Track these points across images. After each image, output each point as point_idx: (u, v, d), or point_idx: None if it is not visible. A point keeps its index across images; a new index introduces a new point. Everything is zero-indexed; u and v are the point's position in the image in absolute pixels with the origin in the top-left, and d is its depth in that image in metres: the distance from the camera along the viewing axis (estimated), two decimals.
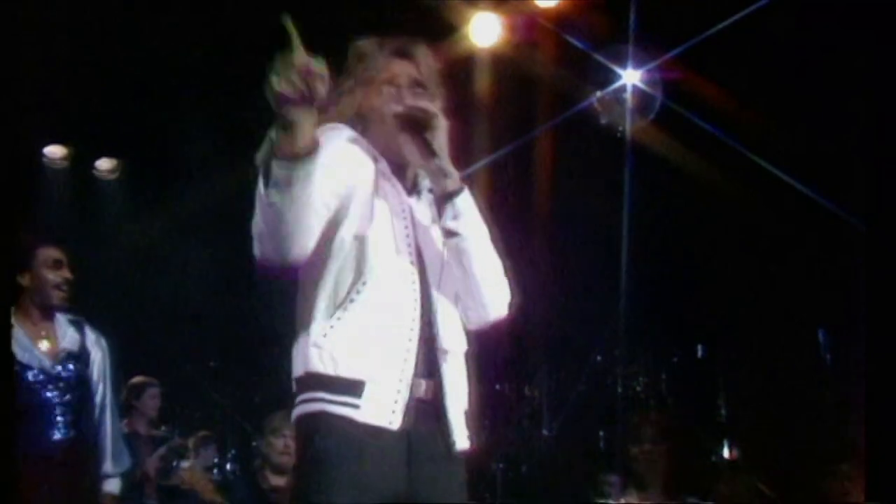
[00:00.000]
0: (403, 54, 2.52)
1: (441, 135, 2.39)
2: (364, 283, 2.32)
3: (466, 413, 2.43)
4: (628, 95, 6.53)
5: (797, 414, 6.12)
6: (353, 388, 2.28)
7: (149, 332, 7.38)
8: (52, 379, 4.08)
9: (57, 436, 4.04)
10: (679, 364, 6.75)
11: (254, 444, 5.86)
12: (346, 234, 2.35)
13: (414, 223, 2.42)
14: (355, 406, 2.27)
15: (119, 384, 4.62)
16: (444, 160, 2.39)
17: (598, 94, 6.65)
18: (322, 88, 2.08)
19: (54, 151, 7.76)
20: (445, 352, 2.40)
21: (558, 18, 6.34)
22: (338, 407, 2.28)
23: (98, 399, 4.26)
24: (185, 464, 5.63)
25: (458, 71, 6.35)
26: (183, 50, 6.34)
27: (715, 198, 6.57)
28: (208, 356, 7.48)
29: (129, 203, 8.00)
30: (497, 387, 7.17)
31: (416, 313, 2.35)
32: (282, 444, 4.93)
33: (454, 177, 2.41)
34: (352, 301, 2.32)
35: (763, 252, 6.59)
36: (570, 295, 7.32)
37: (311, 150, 2.13)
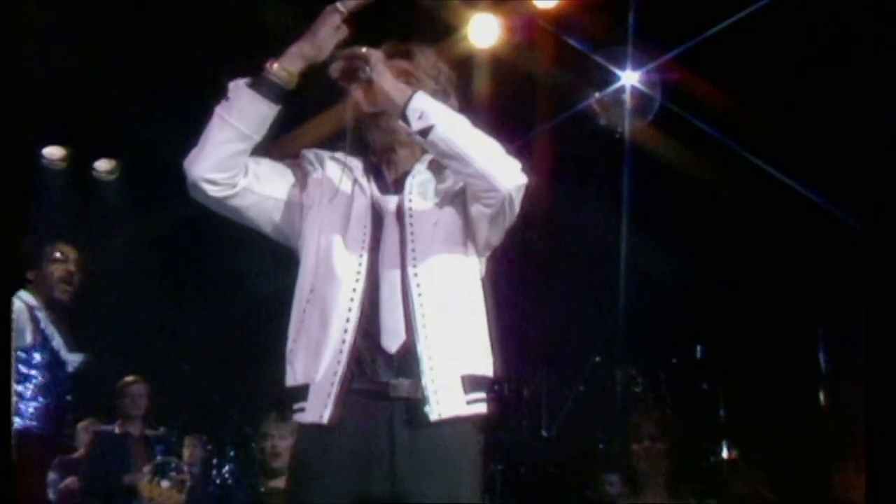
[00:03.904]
0: (397, 55, 2.59)
1: (373, 64, 2.43)
2: (311, 291, 2.45)
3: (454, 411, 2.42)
4: (627, 96, 6.54)
5: (796, 414, 6.12)
6: (301, 393, 2.42)
7: (146, 332, 7.38)
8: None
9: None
10: (678, 364, 6.75)
11: (252, 445, 5.87)
12: (307, 256, 2.48)
13: (375, 222, 2.48)
14: (303, 409, 2.42)
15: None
16: (383, 82, 2.42)
17: (597, 95, 6.65)
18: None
19: (53, 152, 7.77)
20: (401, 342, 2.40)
21: (557, 20, 6.34)
22: (296, 414, 2.45)
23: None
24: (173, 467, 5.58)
25: (458, 72, 6.34)
26: (182, 51, 6.34)
27: (714, 198, 6.58)
28: (207, 357, 7.47)
29: (128, 204, 8.01)
30: (495, 387, 7.17)
31: (355, 310, 2.40)
32: (269, 447, 4.96)
33: (400, 90, 2.42)
34: (304, 312, 2.45)
35: (762, 252, 6.60)
36: (569, 295, 7.32)
37: (289, 78, 2.40)
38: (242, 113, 2.38)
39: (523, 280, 7.10)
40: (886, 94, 2.47)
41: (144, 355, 6.94)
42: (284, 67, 2.40)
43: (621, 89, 6.53)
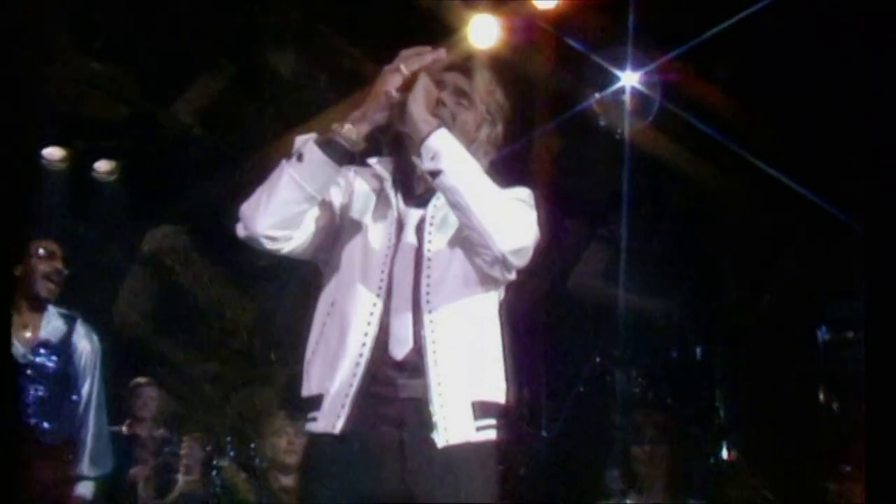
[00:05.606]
0: (458, 70, 2.58)
1: (413, 88, 2.41)
2: (332, 305, 2.45)
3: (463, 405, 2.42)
4: (627, 97, 6.53)
5: (796, 415, 6.11)
6: (315, 403, 2.42)
7: (147, 333, 7.39)
8: (24, 368, 4.02)
9: (28, 425, 3.95)
10: (678, 365, 6.75)
11: (251, 445, 5.84)
12: (330, 270, 2.50)
13: (401, 234, 2.47)
14: (315, 419, 2.42)
15: (108, 383, 4.47)
16: (413, 107, 2.39)
17: (597, 96, 6.65)
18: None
19: (53, 152, 7.76)
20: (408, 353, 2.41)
21: (557, 20, 6.33)
22: (309, 423, 2.45)
23: (83, 395, 4.18)
24: (224, 462, 5.58)
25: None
26: (181, 52, 6.35)
27: (713, 199, 6.57)
28: (209, 358, 7.48)
29: (128, 204, 8.00)
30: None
31: (374, 324, 2.39)
32: (285, 443, 4.95)
33: (426, 121, 2.39)
34: (324, 324, 2.45)
35: (762, 253, 6.60)
36: (568, 296, 7.31)
37: (357, 141, 2.41)
38: (313, 175, 2.37)
39: (521, 280, 7.09)
40: (887, 94, 2.48)
41: (146, 356, 6.95)
42: (353, 130, 2.40)
43: (621, 90, 6.52)
